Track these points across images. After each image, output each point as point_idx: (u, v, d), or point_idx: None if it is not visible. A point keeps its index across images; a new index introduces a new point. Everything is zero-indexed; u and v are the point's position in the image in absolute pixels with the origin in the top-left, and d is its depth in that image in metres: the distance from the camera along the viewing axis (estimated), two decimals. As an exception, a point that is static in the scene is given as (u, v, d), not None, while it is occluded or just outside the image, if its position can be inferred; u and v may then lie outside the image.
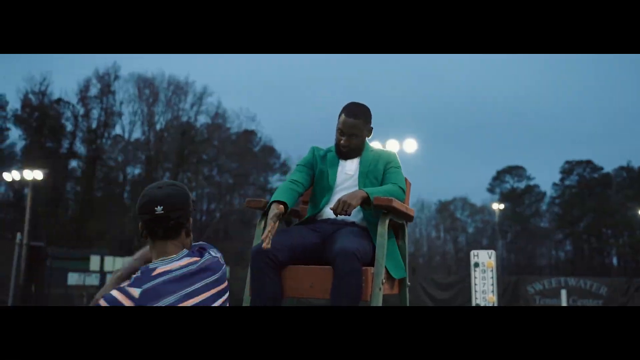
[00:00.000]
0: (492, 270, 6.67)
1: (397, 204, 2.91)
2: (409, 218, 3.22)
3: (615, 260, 59.76)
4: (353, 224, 3.19)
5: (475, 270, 6.59)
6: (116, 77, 50.18)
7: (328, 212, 3.25)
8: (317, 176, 3.38)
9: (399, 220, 3.14)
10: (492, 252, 6.89)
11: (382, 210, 2.94)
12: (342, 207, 2.90)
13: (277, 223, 2.93)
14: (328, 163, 3.36)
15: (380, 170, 3.28)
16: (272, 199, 3.07)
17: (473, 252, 6.87)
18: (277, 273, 2.94)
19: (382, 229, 2.93)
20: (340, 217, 3.08)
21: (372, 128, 3.35)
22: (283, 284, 2.94)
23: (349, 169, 3.31)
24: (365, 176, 3.25)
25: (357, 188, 3.18)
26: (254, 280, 2.90)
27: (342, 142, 3.24)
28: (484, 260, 6.69)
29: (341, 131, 3.23)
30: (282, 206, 3.02)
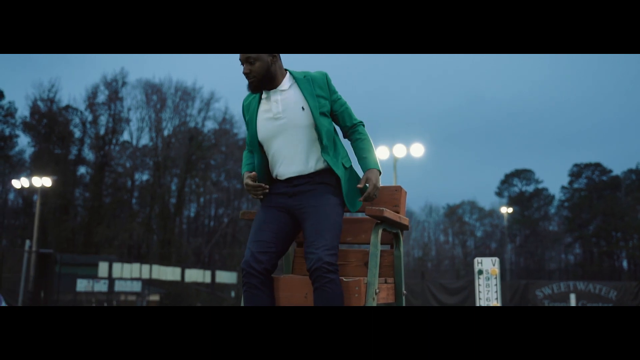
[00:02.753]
0: (496, 278, 6.65)
1: (389, 214, 2.90)
2: (403, 227, 3.21)
3: (625, 264, 59.44)
4: (313, 182, 3.03)
5: (479, 278, 6.57)
6: (124, 84, 50.50)
7: (280, 174, 3.08)
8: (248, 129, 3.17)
9: (392, 230, 3.13)
10: (496, 260, 6.86)
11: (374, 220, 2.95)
12: (375, 192, 2.92)
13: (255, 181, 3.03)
14: (250, 110, 3.13)
15: (322, 96, 3.04)
16: (243, 172, 3.18)
17: (477, 260, 6.84)
18: (270, 286, 2.93)
19: (375, 239, 2.93)
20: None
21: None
22: (277, 294, 2.95)
23: (274, 101, 3.03)
24: (316, 99, 3.02)
25: (293, 120, 2.99)
26: (247, 298, 2.88)
27: (243, 71, 2.97)
28: (488, 268, 6.67)
29: (240, 62, 2.99)
30: (253, 173, 3.05)
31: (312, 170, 3.02)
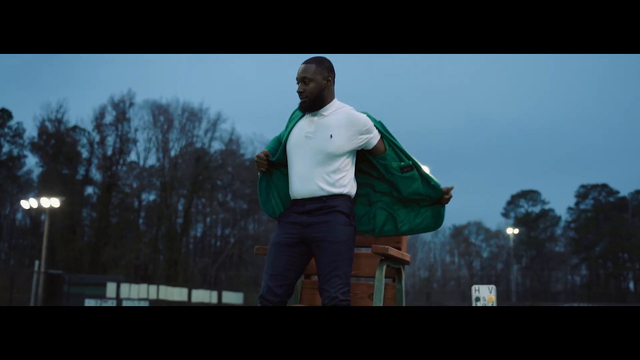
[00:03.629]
0: (492, 305, 6.87)
1: (393, 251, 3.11)
2: (405, 262, 3.41)
3: (632, 285, 59.17)
4: (326, 209, 3.16)
5: (476, 305, 6.79)
6: (131, 104, 51.03)
7: (295, 191, 3.22)
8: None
9: (395, 266, 3.33)
10: (493, 287, 7.06)
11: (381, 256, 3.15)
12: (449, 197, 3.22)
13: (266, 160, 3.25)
14: (293, 119, 3.34)
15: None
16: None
17: (474, 287, 7.06)
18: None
19: (380, 274, 3.13)
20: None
21: (331, 76, 3.22)
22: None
23: (310, 121, 3.22)
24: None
25: (321, 146, 3.16)
26: None
27: (298, 89, 3.18)
28: (485, 295, 6.88)
29: (297, 80, 3.19)
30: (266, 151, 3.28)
31: (324, 194, 3.13)
